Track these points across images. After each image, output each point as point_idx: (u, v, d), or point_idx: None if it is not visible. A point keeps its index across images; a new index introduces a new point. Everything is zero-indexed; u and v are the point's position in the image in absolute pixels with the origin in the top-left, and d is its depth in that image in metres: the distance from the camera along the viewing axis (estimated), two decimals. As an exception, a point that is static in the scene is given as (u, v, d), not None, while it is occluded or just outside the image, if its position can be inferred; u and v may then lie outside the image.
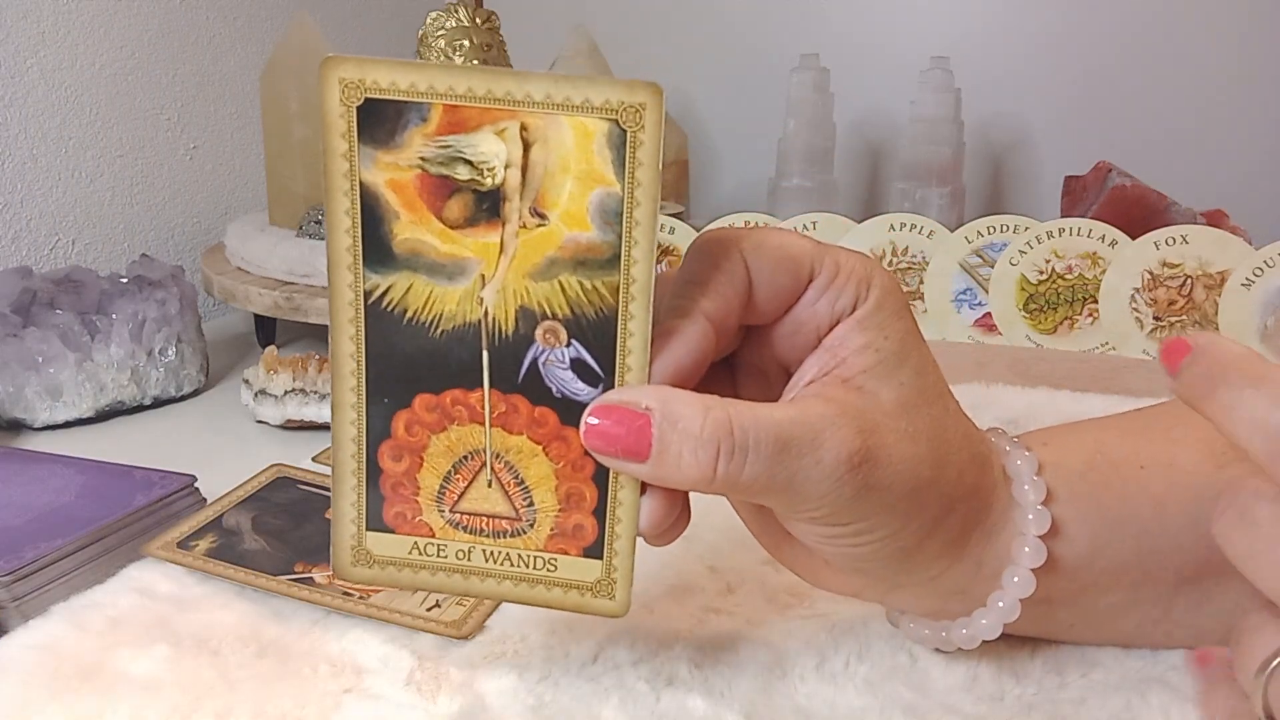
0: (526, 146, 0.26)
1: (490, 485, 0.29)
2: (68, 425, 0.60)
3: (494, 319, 0.28)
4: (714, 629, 0.36)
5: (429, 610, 0.36)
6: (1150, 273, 0.67)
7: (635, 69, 1.03)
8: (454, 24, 0.78)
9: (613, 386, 0.28)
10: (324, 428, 0.58)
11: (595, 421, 0.27)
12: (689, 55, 1.14)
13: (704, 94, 1.14)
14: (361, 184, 0.27)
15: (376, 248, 0.27)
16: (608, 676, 0.33)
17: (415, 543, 0.30)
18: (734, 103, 1.13)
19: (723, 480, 0.27)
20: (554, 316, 0.27)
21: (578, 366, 0.28)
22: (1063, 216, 0.76)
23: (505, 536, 0.29)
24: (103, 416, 0.61)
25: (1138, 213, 0.76)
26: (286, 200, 0.79)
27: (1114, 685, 0.32)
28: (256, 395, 0.59)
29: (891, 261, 0.71)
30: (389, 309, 0.28)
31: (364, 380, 0.28)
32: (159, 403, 0.64)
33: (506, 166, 0.26)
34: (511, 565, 0.30)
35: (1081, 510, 0.31)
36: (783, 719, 0.31)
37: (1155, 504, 0.32)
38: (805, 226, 0.71)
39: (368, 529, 0.30)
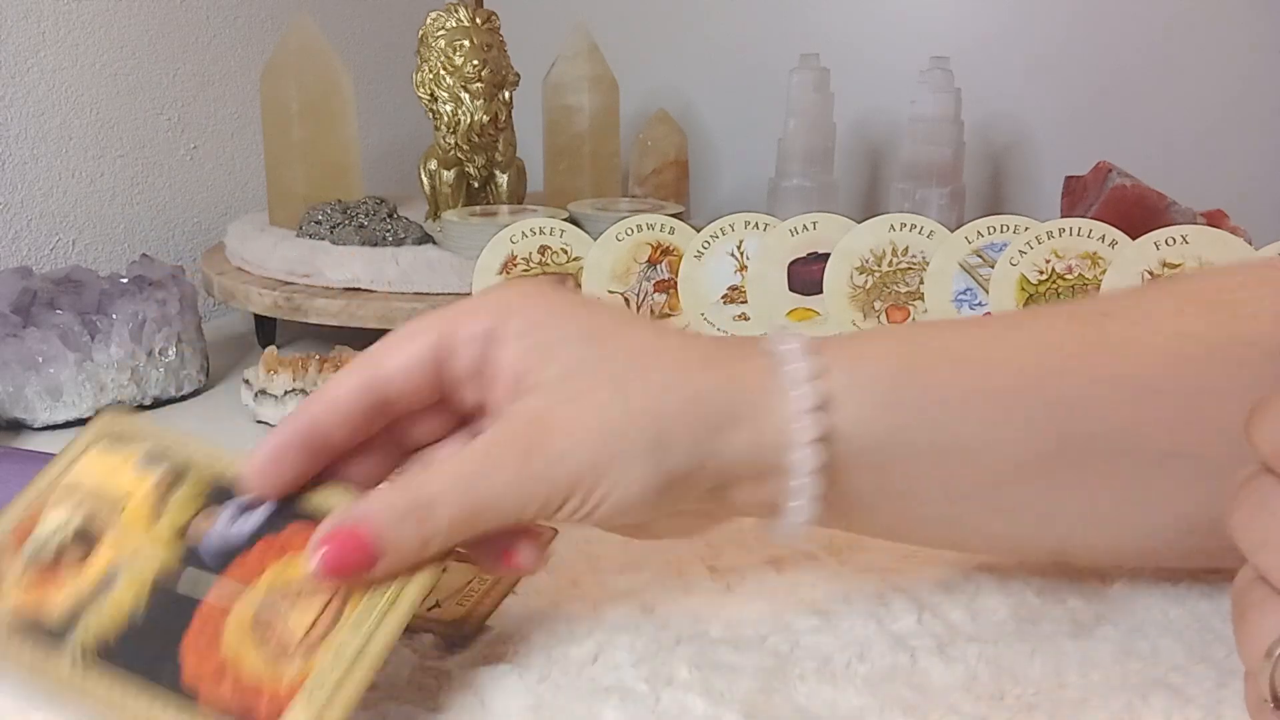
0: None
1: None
2: (68, 425, 0.60)
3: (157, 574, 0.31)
4: (714, 629, 0.36)
5: (429, 610, 0.36)
6: (1150, 273, 0.67)
7: (635, 68, 1.03)
8: (454, 24, 0.78)
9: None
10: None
11: (320, 555, 0.29)
12: (689, 55, 1.14)
13: (704, 94, 1.14)
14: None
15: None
16: (608, 676, 0.33)
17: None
18: (734, 103, 1.13)
19: (457, 518, 0.30)
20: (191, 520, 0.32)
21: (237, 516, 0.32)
22: (1063, 216, 0.76)
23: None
24: (103, 416, 0.61)
25: (1138, 213, 0.76)
26: (286, 200, 0.79)
27: (1114, 686, 0.32)
28: (256, 395, 0.59)
29: (891, 261, 0.71)
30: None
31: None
32: (159, 403, 0.64)
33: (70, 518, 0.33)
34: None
35: (844, 347, 0.32)
36: (783, 719, 0.31)
37: (951, 359, 0.32)
38: (805, 227, 0.71)
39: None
